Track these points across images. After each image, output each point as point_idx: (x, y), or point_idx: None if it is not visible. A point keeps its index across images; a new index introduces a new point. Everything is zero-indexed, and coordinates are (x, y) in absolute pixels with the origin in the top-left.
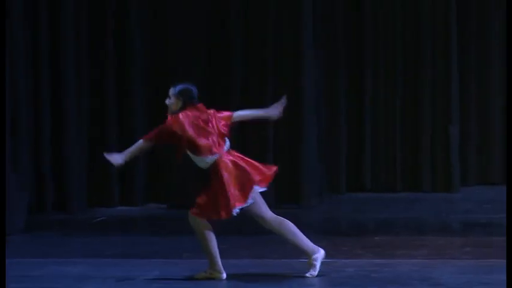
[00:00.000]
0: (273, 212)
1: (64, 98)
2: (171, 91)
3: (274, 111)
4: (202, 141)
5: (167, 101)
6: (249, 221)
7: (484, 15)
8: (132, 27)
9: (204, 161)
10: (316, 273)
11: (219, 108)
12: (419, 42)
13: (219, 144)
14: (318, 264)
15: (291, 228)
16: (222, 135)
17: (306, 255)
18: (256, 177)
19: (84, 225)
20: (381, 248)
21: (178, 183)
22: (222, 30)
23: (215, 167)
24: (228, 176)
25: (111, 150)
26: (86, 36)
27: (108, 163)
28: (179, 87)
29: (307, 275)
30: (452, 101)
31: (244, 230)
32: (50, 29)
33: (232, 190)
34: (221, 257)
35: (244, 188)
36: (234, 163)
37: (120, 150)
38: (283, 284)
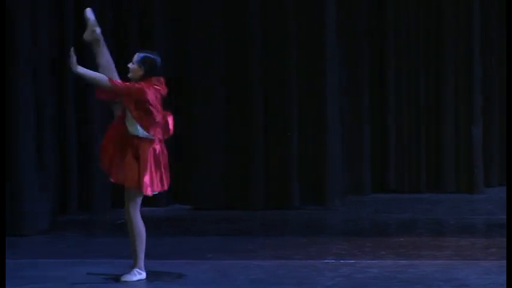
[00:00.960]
0: (296, 212)
1: (89, 96)
2: (135, 57)
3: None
4: (156, 118)
5: (130, 65)
6: (273, 222)
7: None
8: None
9: (139, 132)
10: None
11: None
12: (442, 41)
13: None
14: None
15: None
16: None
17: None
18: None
19: (108, 226)
20: (404, 248)
21: (202, 185)
22: (240, 27)
23: (145, 145)
24: (153, 161)
25: None
26: (110, 35)
27: None
28: (142, 54)
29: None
30: (474, 102)
31: (269, 231)
32: (75, 31)
33: (154, 173)
34: (248, 258)
35: (161, 180)
36: (158, 155)
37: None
38: (306, 285)
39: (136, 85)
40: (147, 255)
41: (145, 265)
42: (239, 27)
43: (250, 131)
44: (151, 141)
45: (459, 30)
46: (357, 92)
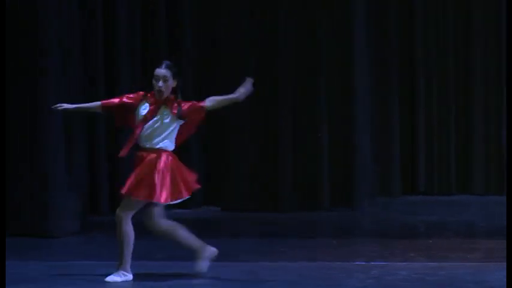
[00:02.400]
0: (325, 214)
1: None
2: (164, 72)
3: (239, 94)
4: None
5: (160, 84)
6: (303, 224)
7: None
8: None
9: (167, 145)
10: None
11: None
12: (471, 43)
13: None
14: None
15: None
16: None
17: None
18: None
19: (140, 228)
20: (434, 250)
21: (233, 187)
22: (269, 25)
23: (168, 156)
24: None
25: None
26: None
27: None
28: (172, 64)
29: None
30: (504, 104)
31: (299, 233)
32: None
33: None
34: (278, 260)
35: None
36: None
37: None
38: (336, 287)
39: (194, 102)
40: (181, 257)
41: (178, 266)
42: (268, 27)
43: (280, 132)
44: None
45: (488, 32)
46: (386, 92)
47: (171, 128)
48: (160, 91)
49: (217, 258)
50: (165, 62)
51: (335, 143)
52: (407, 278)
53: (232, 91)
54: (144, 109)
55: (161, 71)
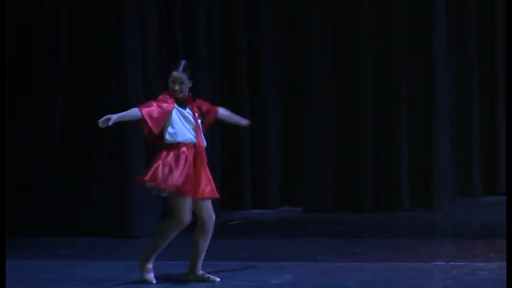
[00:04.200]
0: (405, 214)
1: None
2: (180, 74)
3: (243, 121)
4: None
5: (177, 88)
6: (383, 224)
7: None
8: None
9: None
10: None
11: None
12: None
13: None
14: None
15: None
16: None
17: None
18: None
19: (219, 228)
20: None
21: (312, 187)
22: (349, 28)
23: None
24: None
25: (243, 160)
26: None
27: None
28: (188, 66)
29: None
30: None
31: (378, 234)
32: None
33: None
34: (357, 261)
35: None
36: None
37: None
38: (417, 287)
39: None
40: (263, 258)
41: (257, 267)
42: (348, 29)
43: (360, 133)
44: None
45: None
46: (467, 92)
47: None
48: (176, 92)
49: (294, 258)
50: (182, 64)
51: (415, 143)
52: (487, 278)
53: (311, 96)
54: (177, 112)
55: (178, 74)
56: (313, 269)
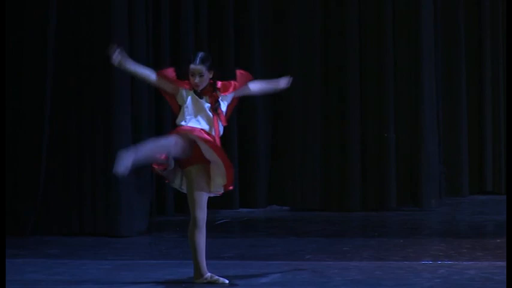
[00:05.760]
0: (392, 213)
1: None
2: (199, 67)
3: (282, 82)
4: None
5: (197, 80)
6: (370, 223)
7: None
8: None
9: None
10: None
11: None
12: None
13: None
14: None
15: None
16: None
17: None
18: None
19: (206, 227)
20: (501, 250)
21: (299, 186)
22: (337, 26)
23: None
24: None
25: (230, 158)
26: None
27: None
28: (206, 56)
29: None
30: None
31: (366, 233)
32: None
33: None
34: (345, 259)
35: None
36: None
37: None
38: (404, 286)
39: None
40: (251, 256)
41: (245, 266)
42: (336, 27)
43: (347, 131)
44: None
45: None
46: (454, 91)
47: None
48: (197, 85)
49: (283, 257)
50: (199, 56)
51: (402, 142)
52: (474, 277)
53: (299, 93)
54: (187, 97)
55: (196, 66)
56: (301, 267)
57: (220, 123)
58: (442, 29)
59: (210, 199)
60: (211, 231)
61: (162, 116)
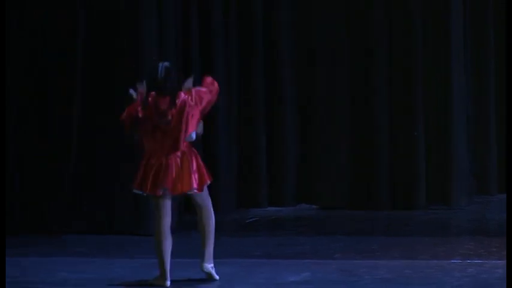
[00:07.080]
0: (422, 212)
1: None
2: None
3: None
4: None
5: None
6: (399, 222)
7: None
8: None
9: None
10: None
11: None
12: None
13: None
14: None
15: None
16: None
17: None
18: None
19: (234, 226)
20: None
21: (329, 184)
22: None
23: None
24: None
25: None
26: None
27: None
28: (169, 69)
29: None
30: None
31: (395, 231)
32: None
33: None
34: (374, 258)
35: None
36: None
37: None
38: (433, 285)
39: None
40: (279, 255)
41: (274, 264)
42: (364, 30)
43: (376, 130)
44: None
45: None
46: (484, 89)
47: None
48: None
49: (311, 256)
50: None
51: (432, 140)
52: (503, 276)
53: (326, 93)
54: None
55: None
56: (330, 266)
57: None
58: (471, 30)
59: (237, 199)
60: (239, 230)
61: None
